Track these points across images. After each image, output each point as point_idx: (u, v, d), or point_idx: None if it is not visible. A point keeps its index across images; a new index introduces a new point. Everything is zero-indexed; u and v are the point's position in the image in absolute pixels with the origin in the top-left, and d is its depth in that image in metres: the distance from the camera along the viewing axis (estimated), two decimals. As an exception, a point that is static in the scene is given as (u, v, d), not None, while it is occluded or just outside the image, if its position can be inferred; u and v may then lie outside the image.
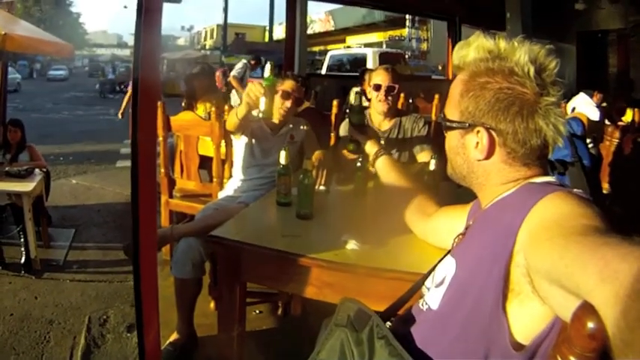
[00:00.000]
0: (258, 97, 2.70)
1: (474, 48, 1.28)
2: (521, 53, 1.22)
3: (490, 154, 1.26)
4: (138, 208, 1.76)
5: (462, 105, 1.29)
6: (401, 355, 1.20)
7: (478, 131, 1.26)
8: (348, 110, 3.36)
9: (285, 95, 3.31)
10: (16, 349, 3.11)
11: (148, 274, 1.85)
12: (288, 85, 3.34)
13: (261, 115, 2.79)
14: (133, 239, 1.79)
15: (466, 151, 1.31)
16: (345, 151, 2.94)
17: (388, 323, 1.50)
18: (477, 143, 1.27)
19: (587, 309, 0.81)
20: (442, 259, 1.41)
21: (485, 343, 1.12)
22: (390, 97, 3.35)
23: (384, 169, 2.24)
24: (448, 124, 1.34)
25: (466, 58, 1.30)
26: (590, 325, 0.80)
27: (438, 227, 1.82)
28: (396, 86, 3.36)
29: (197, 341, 3.02)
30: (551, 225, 1.00)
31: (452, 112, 1.33)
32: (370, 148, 2.37)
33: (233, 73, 10.85)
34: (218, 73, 11.53)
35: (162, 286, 2.71)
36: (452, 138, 1.36)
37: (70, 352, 3.09)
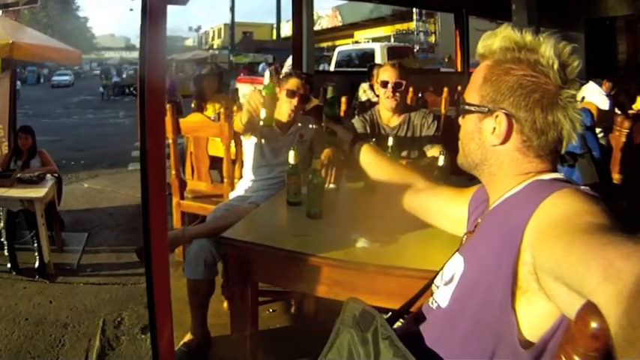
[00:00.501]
0: (258, 106, 2.69)
1: (500, 38, 1.28)
2: (547, 47, 1.22)
3: (506, 140, 1.26)
4: (148, 210, 1.77)
5: (484, 90, 1.29)
6: (405, 356, 1.19)
7: (497, 116, 1.25)
8: (355, 110, 3.37)
9: (291, 94, 3.30)
10: (32, 352, 3.14)
11: (160, 276, 1.86)
12: (292, 83, 3.33)
13: (261, 122, 2.75)
14: (144, 242, 1.79)
15: (482, 136, 1.31)
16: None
17: (399, 322, 1.51)
18: (494, 128, 1.27)
19: (590, 309, 0.81)
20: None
21: (494, 340, 1.12)
22: (397, 94, 3.34)
23: (364, 153, 2.13)
24: (467, 107, 1.34)
25: (492, 46, 1.30)
26: (594, 325, 0.80)
27: (428, 205, 1.81)
28: (404, 82, 3.34)
29: (211, 341, 3.04)
30: (557, 223, 1.00)
31: (472, 96, 1.33)
32: (345, 136, 2.33)
33: (285, 69, 10.73)
34: (270, 69, 11.43)
35: (176, 287, 2.73)
36: (468, 123, 1.35)
37: (86, 354, 3.12)
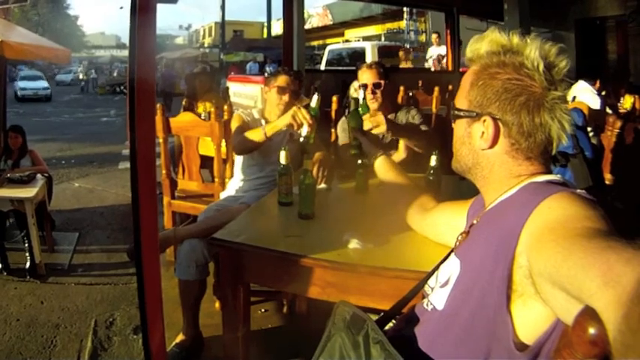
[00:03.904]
0: (303, 123, 2.81)
1: (487, 42, 1.30)
2: (532, 48, 1.23)
3: (494, 143, 1.27)
4: (139, 210, 1.76)
5: (471, 95, 1.30)
6: None
7: (484, 120, 1.27)
8: (346, 109, 3.40)
9: (282, 91, 3.33)
10: (24, 354, 3.12)
11: (151, 277, 1.85)
12: (282, 80, 3.36)
13: (301, 139, 2.86)
14: (135, 242, 1.78)
15: (472, 140, 1.32)
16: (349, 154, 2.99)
17: (391, 323, 1.51)
18: (483, 133, 1.28)
19: (588, 314, 0.81)
20: (445, 258, 1.41)
21: (489, 342, 1.12)
22: (377, 94, 3.34)
23: (382, 168, 2.26)
24: (457, 112, 1.35)
25: (479, 51, 1.31)
26: (592, 330, 0.79)
27: (436, 222, 1.83)
28: (382, 82, 3.34)
29: (203, 342, 3.02)
30: (554, 227, 1.00)
31: (461, 101, 1.34)
32: (368, 148, 2.37)
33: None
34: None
35: (168, 288, 2.72)
36: (459, 127, 1.37)
37: (77, 355, 3.11)
